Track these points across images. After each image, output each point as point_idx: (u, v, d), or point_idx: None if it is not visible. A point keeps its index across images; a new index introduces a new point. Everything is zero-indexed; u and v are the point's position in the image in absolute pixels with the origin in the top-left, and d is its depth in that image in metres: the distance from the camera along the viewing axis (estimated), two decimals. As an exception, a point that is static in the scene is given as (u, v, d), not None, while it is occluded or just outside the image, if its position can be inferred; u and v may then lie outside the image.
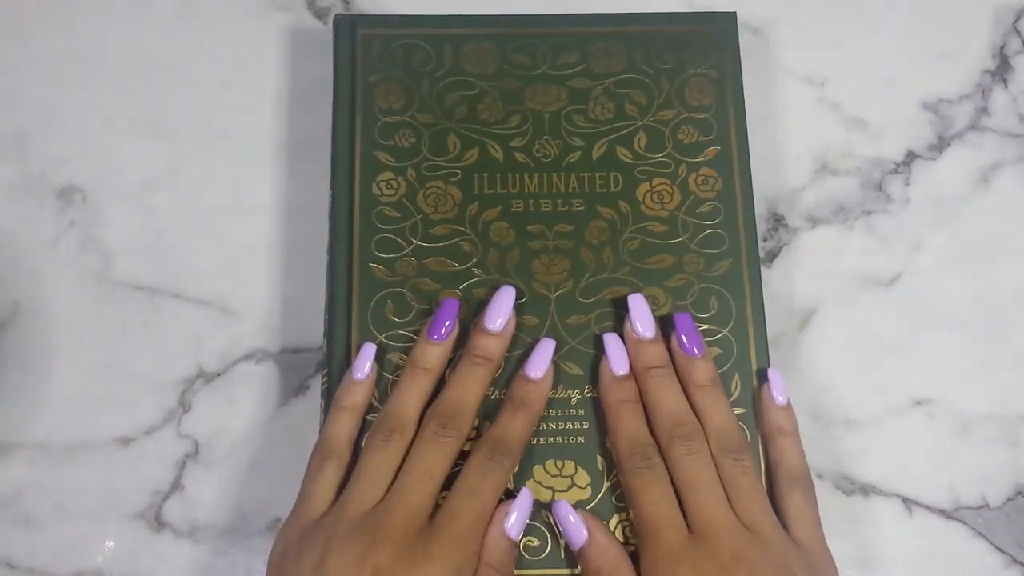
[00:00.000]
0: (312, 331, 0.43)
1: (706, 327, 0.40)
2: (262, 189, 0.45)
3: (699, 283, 0.40)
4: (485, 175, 0.42)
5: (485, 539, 0.35)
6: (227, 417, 0.42)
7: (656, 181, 0.42)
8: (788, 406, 0.38)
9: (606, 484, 0.38)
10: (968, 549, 0.41)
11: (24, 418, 0.42)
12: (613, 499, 0.38)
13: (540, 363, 0.38)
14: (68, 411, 0.42)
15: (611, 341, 0.38)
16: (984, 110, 0.47)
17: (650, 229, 0.41)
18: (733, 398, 0.39)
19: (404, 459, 0.35)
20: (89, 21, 0.47)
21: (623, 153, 0.42)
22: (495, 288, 0.39)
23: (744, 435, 0.38)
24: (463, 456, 0.37)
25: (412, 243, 0.41)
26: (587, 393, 0.39)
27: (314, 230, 0.43)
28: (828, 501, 0.42)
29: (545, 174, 0.42)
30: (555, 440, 0.39)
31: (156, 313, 0.43)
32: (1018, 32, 0.48)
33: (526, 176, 0.42)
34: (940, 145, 0.47)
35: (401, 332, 0.40)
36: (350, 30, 0.43)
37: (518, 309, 0.39)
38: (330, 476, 0.35)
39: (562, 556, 0.37)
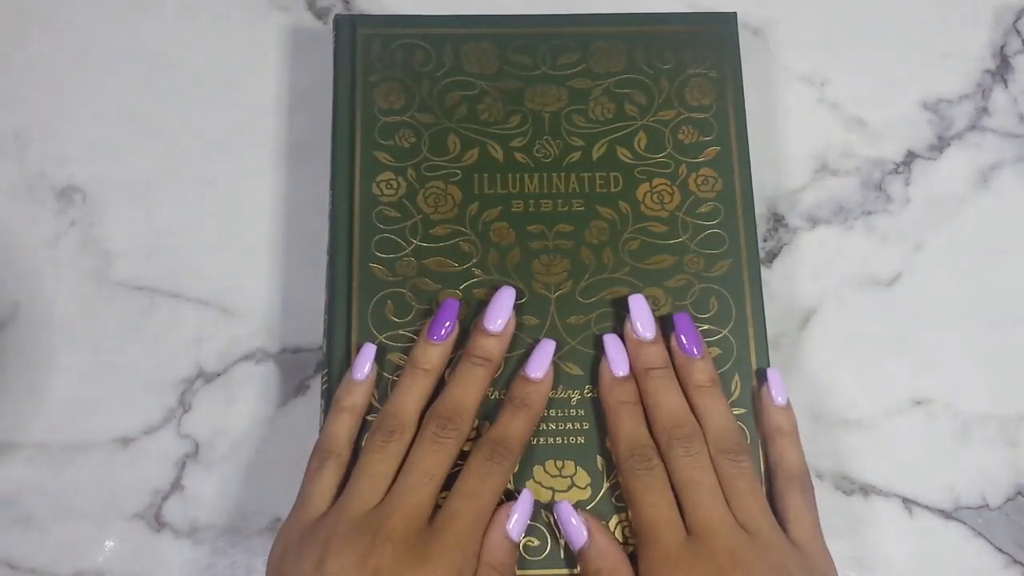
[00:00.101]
0: (312, 331, 0.43)
1: (706, 327, 0.40)
2: (262, 189, 0.45)
3: (699, 283, 0.40)
4: (485, 175, 0.42)
5: (486, 540, 0.35)
6: (227, 417, 0.42)
7: (656, 181, 0.42)
8: (787, 406, 0.38)
9: (606, 484, 0.38)
10: (968, 549, 0.41)
11: (24, 418, 0.42)
12: (613, 499, 0.38)
13: (540, 364, 0.38)
14: (68, 411, 0.42)
15: (611, 342, 0.38)
16: (984, 110, 0.47)
17: (650, 229, 0.41)
18: (733, 398, 0.39)
19: (404, 460, 0.35)
20: (89, 21, 0.47)
21: (623, 153, 0.42)
22: (495, 288, 0.39)
23: (743, 436, 0.38)
24: (463, 456, 0.37)
25: (412, 243, 0.41)
26: (587, 393, 0.39)
27: (314, 230, 0.43)
28: (828, 501, 0.42)
29: (545, 174, 0.42)
30: (555, 440, 0.39)
31: (156, 313, 0.43)
32: (1018, 32, 0.48)
33: (526, 176, 0.42)
34: (940, 145, 0.47)
35: (401, 332, 0.40)
36: (350, 30, 0.43)
37: (518, 309, 0.39)
38: (329, 476, 0.35)
39: (562, 556, 0.37)
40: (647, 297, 0.39)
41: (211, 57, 0.47)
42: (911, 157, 0.46)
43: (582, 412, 0.39)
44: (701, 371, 0.38)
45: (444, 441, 0.35)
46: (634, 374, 0.38)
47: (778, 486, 0.37)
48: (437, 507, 0.35)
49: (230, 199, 0.45)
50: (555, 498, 0.38)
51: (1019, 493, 0.42)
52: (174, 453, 0.42)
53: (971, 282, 0.45)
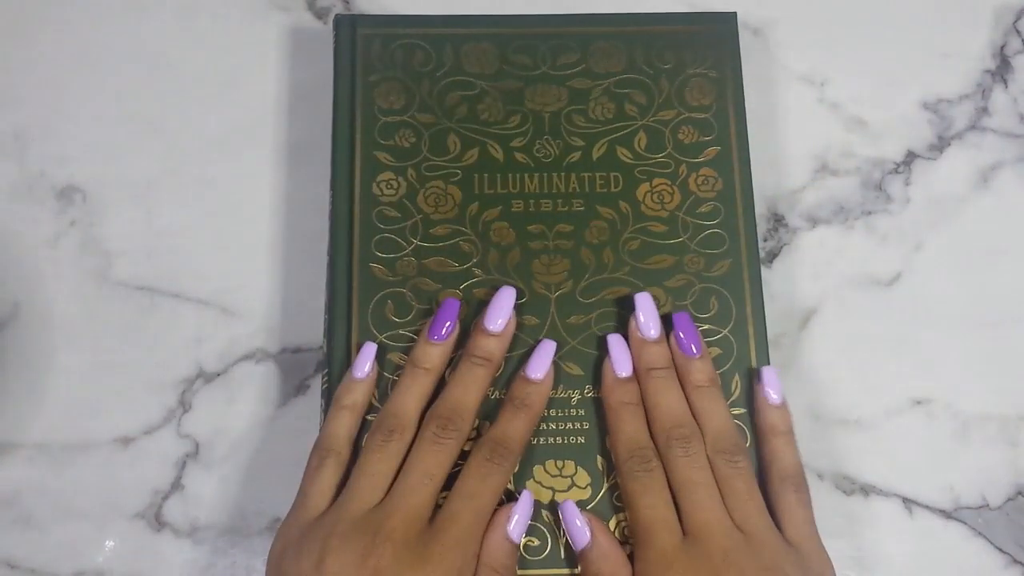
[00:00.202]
0: (312, 331, 0.43)
1: (706, 327, 0.40)
2: (262, 189, 0.45)
3: (699, 283, 0.40)
4: (485, 175, 0.42)
5: (486, 542, 0.35)
6: (227, 417, 0.42)
7: (656, 181, 0.42)
8: (783, 405, 0.38)
9: (606, 484, 0.38)
10: (968, 549, 0.41)
11: (24, 418, 0.42)
12: (613, 499, 0.38)
13: (540, 365, 0.38)
14: (68, 411, 0.42)
15: (615, 343, 0.38)
16: (984, 110, 0.47)
17: (650, 229, 0.41)
18: (733, 399, 0.39)
19: (404, 459, 0.35)
20: (89, 21, 0.47)
21: (623, 153, 0.42)
22: (495, 288, 0.39)
23: (740, 436, 0.38)
24: (463, 456, 0.37)
25: (412, 243, 0.41)
26: (587, 393, 0.39)
27: (314, 230, 0.43)
28: (828, 501, 0.42)
29: (545, 174, 0.42)
30: (555, 440, 0.39)
31: (156, 313, 0.43)
32: (1018, 32, 0.48)
33: (526, 176, 0.42)
34: (940, 145, 0.47)
35: (401, 332, 0.40)
36: (350, 30, 0.43)
37: (518, 309, 0.39)
38: (329, 475, 0.35)
39: (562, 556, 0.37)
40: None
41: (211, 57, 0.47)
42: (911, 157, 0.46)
43: (582, 412, 0.39)
44: (700, 371, 0.38)
45: (444, 441, 0.35)
46: (636, 373, 0.38)
47: (772, 485, 0.37)
48: (437, 507, 0.35)
49: (230, 199, 0.45)
50: (556, 498, 0.38)
51: (1019, 493, 0.42)
52: (174, 453, 0.42)
53: (971, 282, 0.45)
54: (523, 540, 0.37)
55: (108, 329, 0.43)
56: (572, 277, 0.40)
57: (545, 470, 0.38)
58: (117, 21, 0.47)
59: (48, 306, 0.43)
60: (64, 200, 0.45)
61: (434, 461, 0.35)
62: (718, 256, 0.41)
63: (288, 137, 0.46)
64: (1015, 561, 0.41)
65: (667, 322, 0.39)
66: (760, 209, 0.45)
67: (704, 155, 0.42)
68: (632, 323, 0.39)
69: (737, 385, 0.39)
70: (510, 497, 0.37)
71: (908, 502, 0.42)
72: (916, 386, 0.43)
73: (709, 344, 0.40)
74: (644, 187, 0.42)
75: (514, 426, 0.36)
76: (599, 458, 0.38)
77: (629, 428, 0.37)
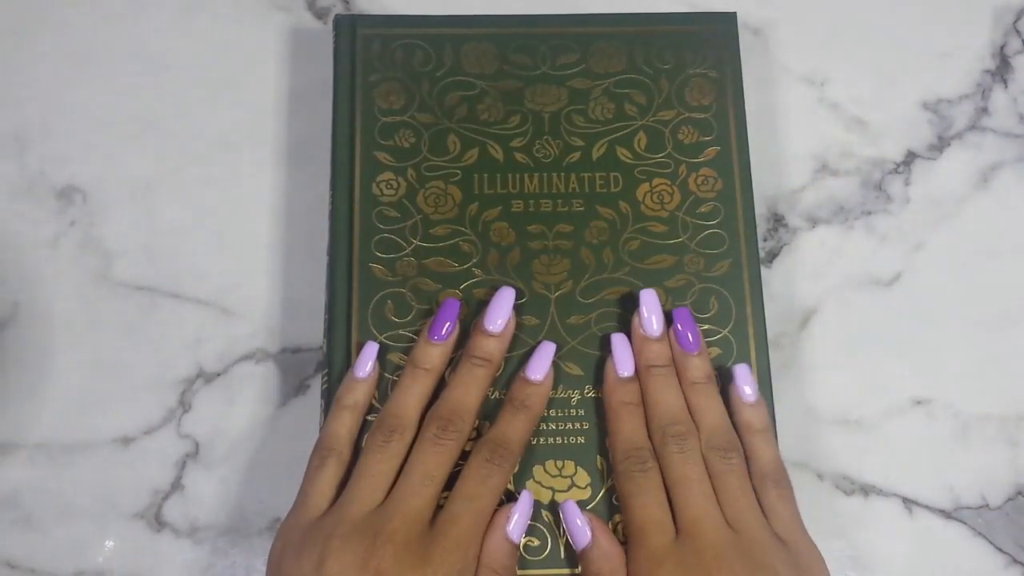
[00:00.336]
0: (312, 331, 0.43)
1: (706, 327, 0.40)
2: (262, 189, 0.45)
3: (699, 283, 0.40)
4: (485, 175, 0.42)
5: (486, 543, 0.35)
6: (227, 417, 0.42)
7: (656, 181, 0.42)
8: (757, 402, 0.38)
9: (606, 484, 0.38)
10: (968, 549, 0.41)
11: (24, 418, 0.42)
12: (613, 499, 0.38)
13: (540, 366, 0.38)
14: (68, 411, 0.42)
15: (619, 342, 0.38)
16: (984, 110, 0.47)
17: (650, 229, 0.41)
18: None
19: (405, 459, 0.35)
20: (89, 21, 0.47)
21: (623, 153, 0.42)
22: (495, 288, 0.39)
23: (734, 433, 0.38)
24: (464, 455, 0.37)
25: (412, 243, 0.41)
26: (587, 393, 0.39)
27: (314, 230, 0.43)
28: (828, 501, 0.42)
29: (545, 174, 0.42)
30: (555, 440, 0.39)
31: (156, 313, 0.43)
32: (1018, 32, 0.48)
33: (526, 176, 0.42)
34: (940, 145, 0.47)
35: (401, 332, 0.40)
36: (350, 30, 0.43)
37: (518, 309, 0.39)
38: (330, 475, 0.35)
39: (562, 556, 0.37)
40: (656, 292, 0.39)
41: (211, 57, 0.47)
42: (911, 157, 0.46)
43: (582, 412, 0.39)
44: (697, 368, 0.38)
45: (445, 442, 0.35)
46: (636, 369, 0.38)
47: (753, 484, 0.37)
48: (438, 508, 0.35)
49: (230, 199, 0.45)
50: (556, 498, 0.38)
51: (1019, 493, 0.42)
52: (174, 453, 0.42)
53: (971, 282, 0.45)
54: (523, 540, 0.37)
55: (108, 329, 0.43)
56: (572, 277, 0.40)
57: (545, 470, 0.38)
58: (117, 21, 0.47)
59: (48, 306, 0.43)
60: (64, 200, 0.45)
61: (435, 462, 0.35)
62: (718, 256, 0.41)
63: (288, 137, 0.46)
64: (1015, 561, 0.41)
65: (667, 317, 0.39)
66: (760, 209, 0.45)
67: (704, 155, 0.42)
68: (635, 319, 0.39)
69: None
70: (510, 497, 0.37)
71: (908, 502, 0.42)
72: (916, 386, 0.43)
73: (709, 344, 0.40)
74: (644, 187, 0.42)
75: (514, 427, 0.36)
76: (599, 458, 0.38)
77: (627, 428, 0.37)
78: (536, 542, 0.37)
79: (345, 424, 0.37)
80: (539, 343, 0.39)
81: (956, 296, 0.44)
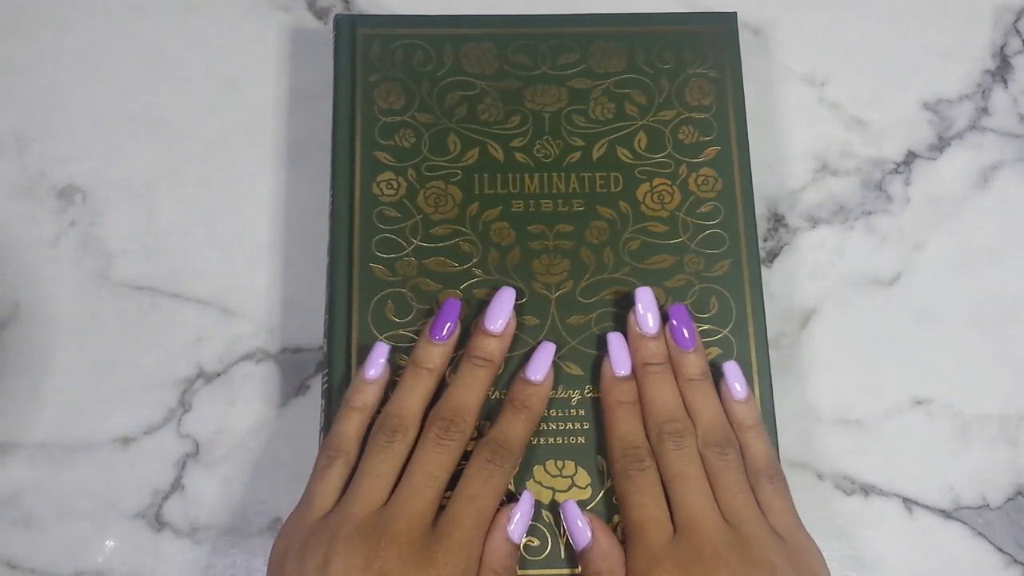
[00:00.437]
0: (312, 331, 0.43)
1: (706, 327, 0.40)
2: (262, 189, 0.45)
3: (699, 283, 0.40)
4: (485, 175, 0.42)
5: (487, 543, 0.35)
6: (227, 417, 0.42)
7: (656, 181, 0.42)
8: (747, 399, 0.38)
9: (606, 484, 0.38)
10: (968, 549, 0.41)
11: (24, 418, 0.42)
12: (613, 500, 0.38)
13: (540, 366, 0.38)
14: (68, 411, 0.42)
15: (615, 341, 0.39)
16: (984, 110, 0.47)
17: (650, 229, 0.41)
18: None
19: (407, 459, 0.35)
20: (89, 21, 0.47)
21: (623, 153, 0.42)
22: (495, 288, 0.39)
23: (731, 430, 0.37)
24: (465, 455, 0.37)
25: (412, 243, 0.41)
26: (587, 393, 0.39)
27: (314, 230, 0.43)
28: (828, 501, 0.42)
29: (545, 174, 0.42)
30: (555, 440, 0.39)
31: (156, 313, 0.43)
32: (1018, 32, 0.48)
33: (526, 176, 0.42)
34: (940, 145, 0.47)
35: (401, 332, 0.40)
36: (350, 30, 0.43)
37: (518, 309, 0.39)
38: (337, 475, 0.35)
39: (562, 556, 0.37)
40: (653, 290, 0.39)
41: (211, 57, 0.47)
42: (911, 157, 0.46)
43: (582, 412, 0.39)
44: (693, 364, 0.38)
45: (447, 443, 0.35)
46: (633, 368, 0.38)
47: (748, 480, 0.37)
48: (440, 508, 0.35)
49: (230, 199, 0.45)
50: (556, 498, 0.38)
51: (1019, 493, 0.42)
52: (174, 453, 0.42)
53: (971, 282, 0.45)
54: (523, 540, 0.37)
55: (108, 329, 0.43)
56: (572, 277, 0.40)
57: (545, 470, 0.38)
58: (117, 21, 0.47)
59: (48, 306, 0.43)
60: (64, 200, 0.45)
61: (437, 462, 0.35)
62: (718, 256, 0.41)
63: (288, 137, 0.46)
64: (1015, 561, 0.41)
65: (665, 316, 0.39)
66: (760, 209, 0.45)
67: (704, 155, 0.42)
68: (631, 317, 0.39)
69: (737, 385, 0.39)
70: (511, 498, 0.37)
71: (908, 502, 0.42)
72: (916, 386, 0.43)
73: (709, 344, 0.40)
74: (644, 187, 0.42)
75: (514, 427, 0.36)
76: (599, 458, 0.38)
77: (624, 427, 0.37)
78: (536, 542, 0.37)
79: (353, 425, 0.37)
80: (539, 343, 0.39)
81: (956, 296, 0.44)
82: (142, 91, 0.46)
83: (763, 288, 0.40)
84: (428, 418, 0.36)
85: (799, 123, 0.47)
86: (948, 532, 0.42)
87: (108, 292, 0.44)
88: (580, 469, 0.38)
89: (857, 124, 0.47)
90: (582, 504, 0.37)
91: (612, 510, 0.38)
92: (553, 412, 0.39)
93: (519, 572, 0.37)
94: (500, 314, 0.38)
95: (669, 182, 0.42)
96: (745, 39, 0.45)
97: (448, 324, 0.38)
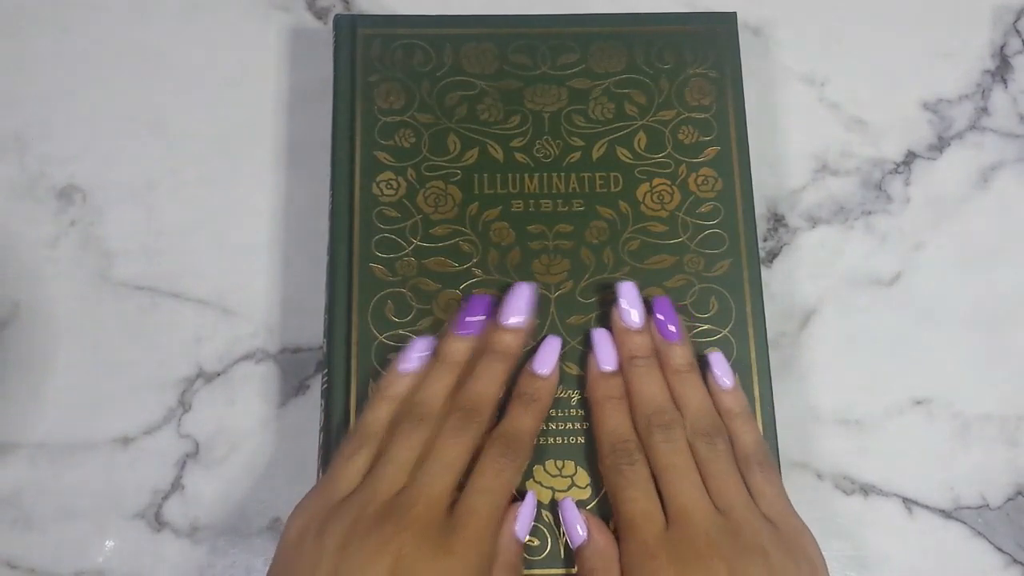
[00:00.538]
0: (312, 331, 0.43)
1: (706, 327, 0.40)
2: (262, 189, 0.45)
3: (699, 283, 0.40)
4: (485, 175, 0.42)
5: (499, 540, 0.35)
6: (227, 417, 0.42)
7: (656, 181, 0.42)
8: (735, 388, 0.38)
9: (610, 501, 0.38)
10: (968, 549, 0.41)
11: (24, 418, 0.42)
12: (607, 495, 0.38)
13: (548, 360, 0.38)
14: (68, 411, 0.42)
15: (600, 337, 0.39)
16: (984, 110, 0.47)
17: (650, 229, 0.41)
18: (733, 398, 0.39)
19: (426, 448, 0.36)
20: (89, 21, 0.47)
21: (623, 153, 0.42)
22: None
23: (719, 419, 0.38)
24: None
25: (412, 243, 0.41)
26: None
27: (314, 230, 0.43)
28: (828, 501, 0.42)
29: (545, 174, 0.42)
30: (555, 440, 0.39)
31: (156, 313, 0.43)
32: (1018, 32, 0.48)
33: (526, 176, 0.42)
34: (940, 145, 0.47)
35: (401, 332, 0.40)
36: (350, 30, 0.43)
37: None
38: (363, 461, 0.36)
39: (562, 556, 0.37)
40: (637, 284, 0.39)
41: (211, 57, 0.47)
42: (911, 157, 0.46)
43: (582, 412, 0.39)
44: (679, 356, 0.38)
45: (465, 433, 0.36)
46: (619, 362, 0.38)
47: (738, 467, 0.37)
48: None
49: (230, 199, 0.45)
50: (555, 498, 0.38)
51: (1019, 493, 0.42)
52: (174, 453, 0.42)
53: (971, 282, 0.45)
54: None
55: (108, 329, 0.43)
56: (572, 277, 0.40)
57: (545, 470, 0.38)
58: (117, 21, 0.47)
59: (48, 306, 0.43)
60: (64, 200, 0.45)
61: (455, 452, 0.35)
62: (718, 256, 0.41)
63: (288, 137, 0.46)
64: (1015, 561, 0.41)
65: (647, 307, 0.39)
66: (760, 209, 0.45)
67: (704, 155, 0.42)
68: (615, 312, 0.39)
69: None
70: (512, 498, 0.37)
71: (908, 502, 0.42)
72: (916, 386, 0.43)
73: (708, 344, 0.40)
74: (644, 187, 0.42)
75: (523, 421, 0.37)
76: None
77: (613, 422, 0.37)
78: (536, 542, 0.37)
79: (384, 414, 0.37)
80: (545, 337, 0.39)
81: (956, 296, 0.44)
82: (142, 91, 0.46)
83: (763, 288, 0.40)
84: (448, 408, 0.37)
85: (799, 123, 0.47)
86: (948, 532, 0.42)
87: (108, 292, 0.44)
88: (580, 469, 0.38)
89: (857, 124, 0.47)
90: (581, 504, 0.38)
91: (611, 510, 0.38)
92: (553, 412, 0.39)
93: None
94: (518, 309, 0.38)
95: (669, 182, 0.42)
96: (745, 39, 0.45)
97: (474, 319, 0.38)
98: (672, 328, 0.38)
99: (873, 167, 0.46)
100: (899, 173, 0.46)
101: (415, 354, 0.38)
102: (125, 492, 0.41)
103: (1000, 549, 0.41)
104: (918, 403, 0.43)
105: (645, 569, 0.34)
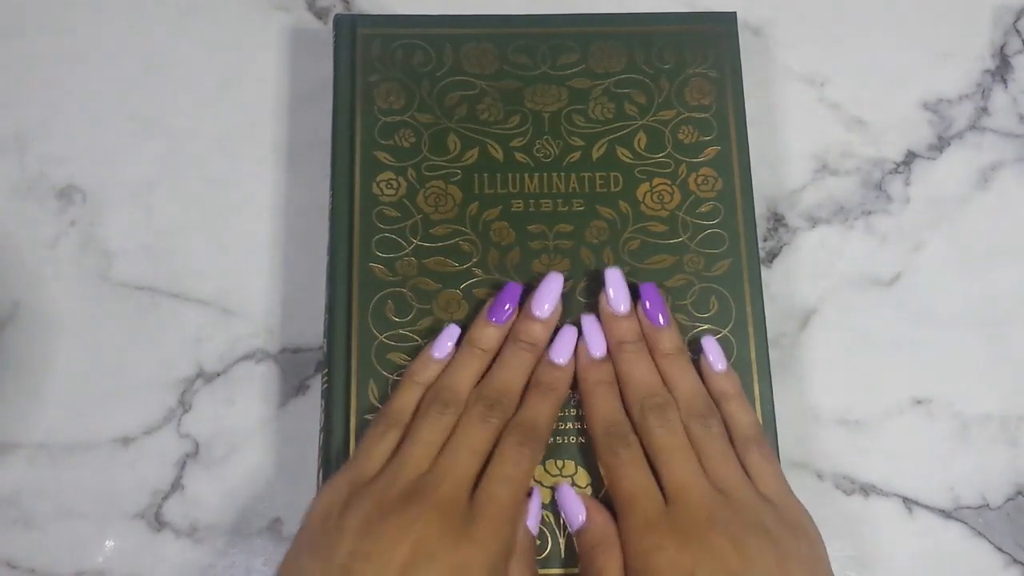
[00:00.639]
0: (312, 331, 0.43)
1: (706, 327, 0.40)
2: (262, 189, 0.45)
3: (699, 283, 0.40)
4: (485, 175, 0.42)
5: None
6: (227, 417, 0.42)
7: (656, 181, 0.42)
8: (727, 371, 0.39)
9: (606, 485, 0.38)
10: (968, 549, 0.41)
11: (24, 418, 0.42)
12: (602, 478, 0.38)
13: (565, 349, 0.38)
14: (68, 411, 0.42)
15: (589, 323, 0.39)
16: (984, 110, 0.47)
17: (650, 229, 0.41)
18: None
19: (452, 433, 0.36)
20: (89, 21, 0.47)
21: (623, 153, 0.42)
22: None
23: (710, 399, 0.38)
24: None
25: (412, 243, 0.41)
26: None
27: (314, 230, 0.43)
28: (828, 501, 0.42)
29: (545, 174, 0.42)
30: (555, 440, 0.39)
31: (156, 313, 0.43)
32: (1018, 32, 0.48)
33: (526, 176, 0.42)
34: (940, 145, 0.47)
35: (401, 332, 0.40)
36: (350, 30, 0.43)
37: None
38: (390, 443, 0.36)
39: (562, 556, 0.37)
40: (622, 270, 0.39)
41: (211, 57, 0.47)
42: (911, 157, 0.46)
43: (582, 412, 0.39)
44: (668, 340, 0.38)
45: (491, 420, 0.36)
46: (608, 348, 0.39)
47: (735, 448, 0.37)
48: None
49: (230, 199, 0.45)
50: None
51: (1019, 493, 0.42)
52: (174, 453, 0.42)
53: (971, 282, 0.45)
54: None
55: (108, 329, 0.43)
56: (572, 277, 0.40)
57: (545, 470, 0.38)
58: (117, 21, 0.47)
59: (48, 306, 0.43)
60: (64, 200, 0.45)
61: (480, 438, 0.36)
62: (718, 256, 0.41)
63: (288, 137, 0.46)
64: (1015, 561, 0.41)
65: (634, 293, 0.39)
66: (760, 209, 0.45)
67: (704, 155, 0.42)
68: (603, 298, 0.39)
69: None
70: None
71: (908, 502, 0.42)
72: (916, 386, 0.43)
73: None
74: (644, 187, 0.42)
75: (541, 411, 0.37)
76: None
77: (605, 405, 0.37)
78: (537, 542, 0.37)
79: (414, 398, 0.37)
80: (561, 327, 0.39)
81: (956, 296, 0.44)
82: (142, 91, 0.46)
83: (763, 288, 0.40)
84: (473, 396, 0.37)
85: (799, 123, 0.47)
86: (948, 532, 0.42)
87: (108, 292, 0.44)
88: (580, 469, 0.38)
89: (857, 124, 0.47)
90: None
91: (610, 510, 0.38)
92: (553, 412, 0.39)
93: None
94: (547, 299, 0.38)
95: (669, 182, 0.42)
96: (745, 39, 0.45)
97: (507, 307, 0.38)
98: (659, 313, 0.38)
99: (873, 167, 0.46)
100: (899, 173, 0.46)
101: (449, 341, 0.38)
102: (125, 492, 0.41)
103: (1000, 549, 0.41)
104: (918, 403, 0.43)
105: (646, 543, 0.34)
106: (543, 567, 0.37)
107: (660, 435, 0.36)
